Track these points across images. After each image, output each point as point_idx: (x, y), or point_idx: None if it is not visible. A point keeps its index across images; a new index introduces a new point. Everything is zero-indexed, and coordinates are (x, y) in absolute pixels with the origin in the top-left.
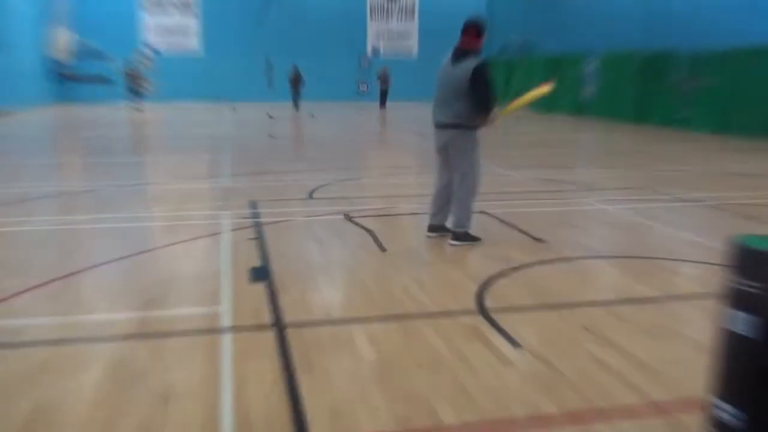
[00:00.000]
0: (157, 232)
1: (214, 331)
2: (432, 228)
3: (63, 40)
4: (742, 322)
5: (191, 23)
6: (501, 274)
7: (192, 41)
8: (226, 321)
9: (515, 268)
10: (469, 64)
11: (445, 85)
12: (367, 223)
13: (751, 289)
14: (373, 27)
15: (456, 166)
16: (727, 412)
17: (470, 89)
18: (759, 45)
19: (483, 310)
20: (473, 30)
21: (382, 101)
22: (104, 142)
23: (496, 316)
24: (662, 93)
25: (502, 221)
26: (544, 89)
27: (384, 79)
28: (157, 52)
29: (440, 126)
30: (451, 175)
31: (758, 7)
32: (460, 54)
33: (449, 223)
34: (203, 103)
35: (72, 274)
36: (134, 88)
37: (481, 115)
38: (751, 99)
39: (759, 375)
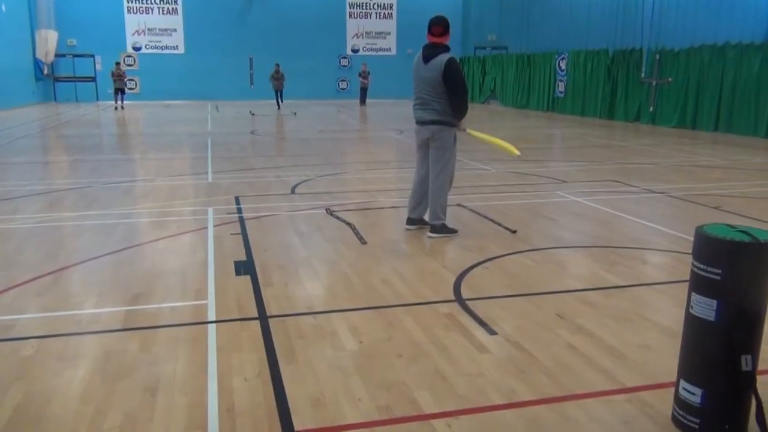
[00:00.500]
0: (143, 228)
1: (199, 323)
2: (411, 221)
3: (48, 40)
4: (703, 306)
5: (174, 22)
6: (477, 265)
7: (174, 40)
8: (211, 314)
9: (491, 259)
10: (440, 60)
11: (422, 84)
12: (348, 216)
13: (711, 275)
14: (352, 25)
15: (435, 161)
16: (690, 392)
17: (444, 86)
18: (721, 43)
19: (460, 300)
20: (439, 27)
21: (363, 98)
22: (90, 140)
23: (472, 305)
24: (631, 89)
25: (478, 214)
26: (513, 151)
27: (364, 77)
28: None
29: (422, 123)
30: (428, 169)
31: (721, 7)
32: (429, 52)
33: (427, 216)
34: (186, 100)
35: (60, 269)
36: (119, 87)
37: (458, 111)
38: (714, 95)
39: (717, 356)
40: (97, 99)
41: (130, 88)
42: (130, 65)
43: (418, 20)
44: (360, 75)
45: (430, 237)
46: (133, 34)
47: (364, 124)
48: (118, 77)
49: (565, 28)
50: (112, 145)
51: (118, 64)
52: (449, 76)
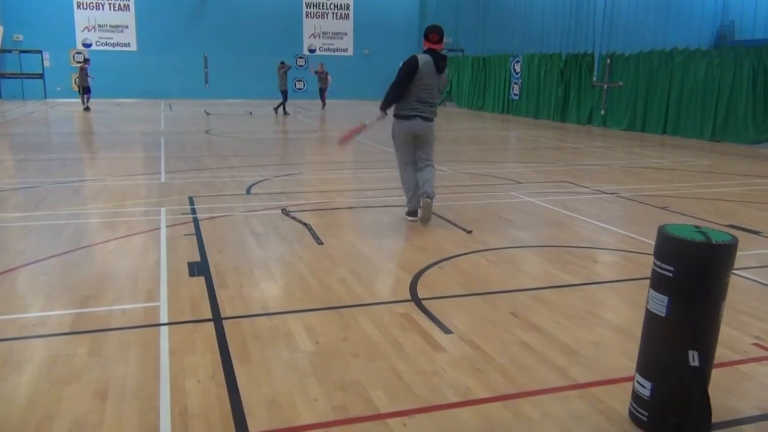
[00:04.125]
0: (93, 229)
1: (151, 326)
2: (414, 213)
3: None
4: (656, 302)
5: (125, 18)
6: (433, 265)
7: (126, 36)
8: (163, 316)
9: (447, 259)
10: (446, 71)
11: (434, 90)
12: (304, 217)
13: (665, 272)
14: (309, 25)
15: (431, 149)
16: (642, 385)
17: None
18: (670, 48)
19: (416, 300)
20: (436, 35)
21: (322, 98)
22: (37, 139)
23: (428, 305)
24: (583, 93)
25: (434, 214)
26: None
27: (322, 77)
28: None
29: (429, 120)
30: (415, 161)
31: (670, 14)
32: (442, 63)
33: (429, 195)
34: (139, 99)
35: (5, 271)
36: (83, 84)
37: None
38: (663, 99)
39: (666, 351)
40: (45, 96)
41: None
42: (79, 62)
43: (375, 21)
44: (317, 74)
45: (427, 203)
46: (83, 30)
47: (321, 124)
48: (83, 76)
49: (519, 31)
50: (62, 144)
51: (86, 61)
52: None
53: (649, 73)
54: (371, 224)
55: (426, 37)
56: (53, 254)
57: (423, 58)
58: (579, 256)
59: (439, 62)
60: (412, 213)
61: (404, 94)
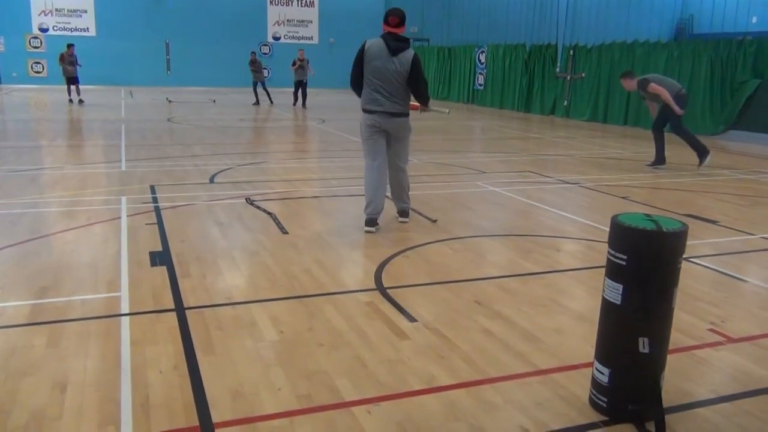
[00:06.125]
0: (51, 218)
1: (112, 316)
2: (371, 222)
3: None
4: (611, 290)
5: (84, 3)
6: (398, 254)
7: (85, 21)
8: (124, 306)
9: (412, 248)
10: (407, 56)
11: (388, 75)
12: (268, 206)
13: (618, 261)
14: (273, 12)
15: (403, 151)
16: (600, 371)
17: (408, 81)
18: (631, 41)
19: (381, 288)
20: (396, 18)
21: (297, 95)
22: None
23: (393, 294)
24: (546, 84)
25: None
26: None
27: (304, 66)
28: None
29: (390, 114)
30: (384, 158)
31: (631, 7)
32: (396, 45)
33: (402, 205)
34: (98, 86)
35: None
36: (70, 75)
37: (425, 101)
38: (624, 91)
39: (621, 338)
40: (0, 82)
41: (37, 72)
42: (36, 47)
43: (340, 9)
44: (299, 62)
45: (403, 222)
46: (40, 14)
47: (285, 113)
48: (70, 63)
49: (484, 22)
50: (18, 131)
51: (70, 46)
52: (415, 73)
53: (611, 64)
54: (336, 213)
55: (385, 20)
56: (9, 244)
57: (372, 41)
58: (542, 245)
59: (390, 43)
60: (369, 222)
61: (360, 82)
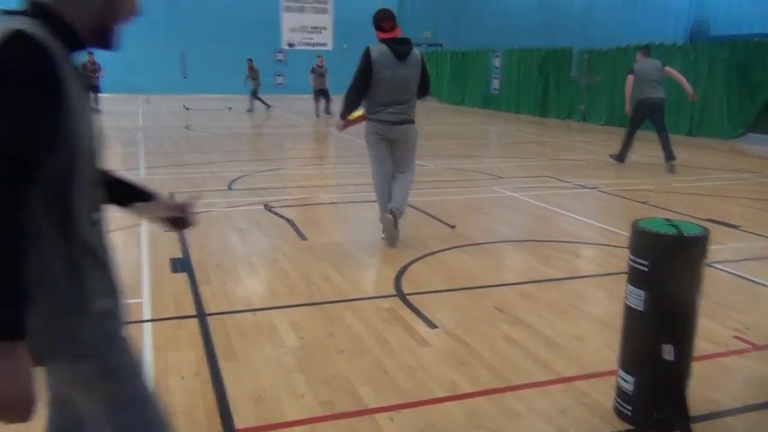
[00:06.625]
0: None
1: (134, 322)
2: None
3: None
4: (634, 297)
5: None
6: (417, 260)
7: None
8: (146, 313)
9: (430, 254)
10: (415, 55)
11: (401, 83)
12: (286, 212)
13: (640, 267)
14: (287, 19)
15: (410, 158)
16: (624, 380)
17: (419, 81)
18: (646, 43)
19: (401, 294)
20: (390, 22)
21: (322, 103)
22: None
23: (413, 300)
24: (562, 88)
25: (418, 209)
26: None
27: (319, 74)
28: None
29: (405, 123)
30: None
31: (646, 10)
32: (403, 49)
33: (394, 210)
34: (114, 94)
35: None
36: (91, 83)
37: (426, 94)
38: None
39: (645, 345)
40: None
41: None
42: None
43: (354, 16)
44: (312, 72)
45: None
46: None
47: (301, 120)
48: (92, 72)
49: (498, 26)
50: None
51: (90, 54)
52: (424, 71)
53: (626, 68)
54: (354, 219)
55: (378, 27)
56: None
57: (376, 49)
58: (561, 251)
59: (398, 49)
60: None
61: (365, 95)
